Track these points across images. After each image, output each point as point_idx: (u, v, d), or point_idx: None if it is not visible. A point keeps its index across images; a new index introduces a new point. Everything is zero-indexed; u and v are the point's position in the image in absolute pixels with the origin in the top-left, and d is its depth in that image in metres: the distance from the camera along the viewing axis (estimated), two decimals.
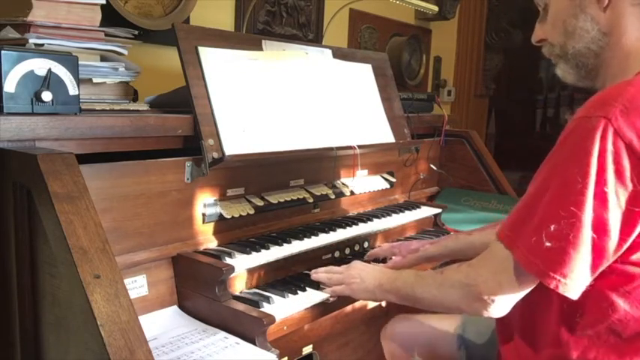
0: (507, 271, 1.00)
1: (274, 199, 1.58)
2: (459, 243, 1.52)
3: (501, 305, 1.03)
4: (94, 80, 1.43)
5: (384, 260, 1.67)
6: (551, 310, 1.05)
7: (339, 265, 1.49)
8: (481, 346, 1.36)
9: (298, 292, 1.40)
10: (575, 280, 0.93)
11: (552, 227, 0.92)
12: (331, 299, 1.40)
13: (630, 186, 0.89)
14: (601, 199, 0.89)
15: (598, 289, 0.98)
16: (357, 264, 1.41)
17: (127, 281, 1.21)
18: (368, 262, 1.56)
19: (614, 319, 0.98)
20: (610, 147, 0.88)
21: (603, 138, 0.88)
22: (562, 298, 0.98)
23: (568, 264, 0.92)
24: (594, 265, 0.93)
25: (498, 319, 1.15)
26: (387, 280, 1.28)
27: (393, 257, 1.63)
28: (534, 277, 0.96)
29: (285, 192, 1.64)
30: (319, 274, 1.44)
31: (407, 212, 1.98)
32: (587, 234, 0.91)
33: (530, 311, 1.10)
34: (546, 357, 1.07)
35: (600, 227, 0.91)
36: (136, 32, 1.65)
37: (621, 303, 0.97)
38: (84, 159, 1.14)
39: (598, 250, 0.92)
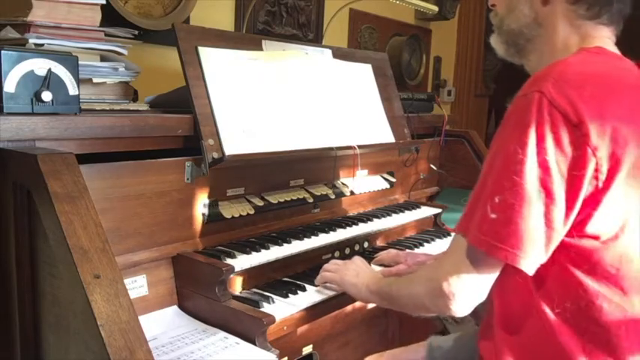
0: (465, 259, 1.01)
1: (274, 199, 1.58)
2: None
3: (464, 299, 1.03)
4: (94, 80, 1.43)
5: (389, 267, 1.67)
6: (527, 299, 1.03)
7: None
8: None
9: (298, 291, 1.41)
10: (527, 253, 0.93)
11: (497, 199, 0.94)
12: (329, 294, 1.41)
13: (569, 152, 0.92)
14: (544, 167, 0.92)
15: (563, 268, 0.98)
16: (357, 260, 1.43)
17: (127, 281, 1.21)
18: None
19: (587, 300, 0.98)
20: (547, 117, 0.92)
21: (539, 109, 0.93)
22: (536, 285, 0.99)
23: (516, 234, 0.93)
24: (547, 237, 0.94)
25: (483, 320, 1.16)
26: (373, 281, 1.30)
27: (398, 265, 1.62)
28: (488, 255, 0.96)
29: (285, 192, 1.65)
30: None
31: (407, 212, 1.98)
32: (533, 203, 0.92)
33: (506, 304, 1.09)
34: (532, 351, 1.06)
35: (547, 196, 0.92)
36: (136, 32, 1.65)
37: (590, 282, 0.98)
38: (84, 159, 1.14)
39: (547, 221, 0.93)
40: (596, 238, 0.97)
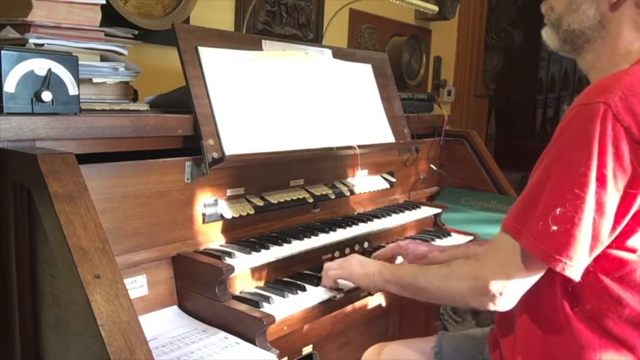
0: (515, 261, 1.01)
1: (274, 199, 1.58)
2: (470, 253, 1.49)
3: (509, 298, 1.04)
4: (94, 80, 1.43)
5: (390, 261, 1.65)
6: (554, 299, 1.06)
7: None
8: None
9: (298, 292, 1.40)
10: (578, 261, 0.95)
11: (558, 211, 0.94)
12: (329, 294, 1.41)
13: (630, 169, 0.92)
14: (601, 181, 0.92)
15: (592, 274, 1.00)
16: (355, 255, 1.43)
17: (127, 281, 1.21)
18: None
19: (610, 304, 1.00)
20: (610, 131, 0.91)
21: (603, 123, 0.91)
22: (564, 286, 1.01)
23: (573, 245, 0.94)
24: (591, 247, 0.96)
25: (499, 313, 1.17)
26: (387, 270, 1.30)
27: (400, 260, 1.61)
28: (541, 261, 0.97)
29: (285, 192, 1.64)
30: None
31: (407, 212, 1.98)
32: (590, 215, 0.93)
33: (530, 297, 1.11)
34: (552, 347, 1.08)
35: (599, 209, 0.93)
36: (136, 32, 1.65)
37: (616, 289, 1.00)
38: (84, 159, 1.14)
39: (596, 234, 0.95)
40: (633, 251, 0.99)
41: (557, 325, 1.06)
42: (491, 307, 1.06)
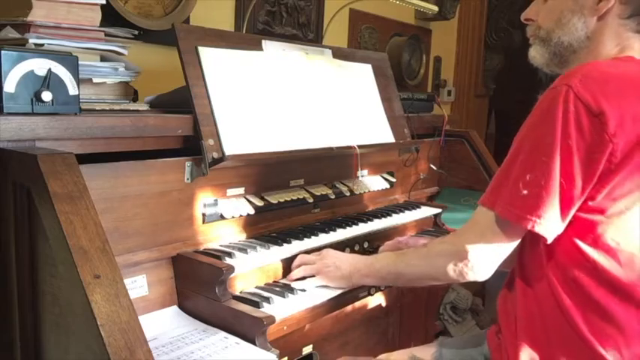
0: (491, 228, 1.13)
1: (274, 199, 1.58)
2: None
3: (487, 266, 1.16)
4: (94, 80, 1.43)
5: None
6: (540, 270, 1.14)
7: None
8: None
9: (298, 292, 1.40)
10: (548, 221, 1.06)
11: (528, 176, 1.07)
12: (329, 294, 1.41)
13: (589, 138, 1.04)
14: (566, 150, 1.05)
15: (570, 239, 1.10)
16: (329, 252, 1.47)
17: (127, 281, 1.20)
18: None
19: (589, 269, 1.08)
20: (572, 107, 1.05)
21: (566, 101, 1.05)
22: (545, 254, 1.12)
23: (542, 206, 1.06)
24: (563, 211, 1.06)
25: (506, 281, 1.26)
26: (364, 265, 1.37)
27: None
28: (515, 224, 1.09)
29: (285, 192, 1.64)
30: (293, 273, 1.46)
31: (407, 212, 1.98)
32: (556, 180, 1.05)
33: (523, 273, 1.19)
34: (549, 327, 1.13)
35: (567, 176, 1.05)
36: (136, 32, 1.65)
37: (591, 252, 1.08)
38: (84, 159, 1.14)
39: (566, 198, 1.06)
40: (601, 212, 1.08)
41: (551, 303, 1.12)
42: (471, 275, 1.16)
